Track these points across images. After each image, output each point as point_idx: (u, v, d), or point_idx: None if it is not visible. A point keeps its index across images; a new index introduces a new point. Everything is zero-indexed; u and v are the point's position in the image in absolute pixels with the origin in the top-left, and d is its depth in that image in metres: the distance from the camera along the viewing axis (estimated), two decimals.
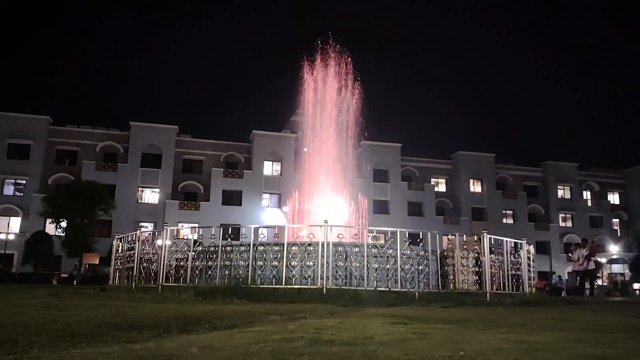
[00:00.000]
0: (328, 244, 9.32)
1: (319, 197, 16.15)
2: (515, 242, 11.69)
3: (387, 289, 9.20)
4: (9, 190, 43.24)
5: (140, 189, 44.96)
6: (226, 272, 10.14)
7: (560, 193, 55.07)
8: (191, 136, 48.87)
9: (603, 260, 42.61)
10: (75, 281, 30.15)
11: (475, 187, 52.72)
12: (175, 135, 46.85)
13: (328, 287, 8.90)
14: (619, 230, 56.09)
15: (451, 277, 10.89)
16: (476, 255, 10.79)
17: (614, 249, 49.08)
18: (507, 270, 11.03)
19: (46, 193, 37.10)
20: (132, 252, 11.43)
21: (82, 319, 3.98)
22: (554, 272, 40.71)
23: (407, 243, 9.88)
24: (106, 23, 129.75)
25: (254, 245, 9.87)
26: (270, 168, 47.76)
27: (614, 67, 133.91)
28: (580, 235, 52.12)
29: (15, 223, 41.92)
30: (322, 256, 9.26)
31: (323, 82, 17.94)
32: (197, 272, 10.45)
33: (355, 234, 10.53)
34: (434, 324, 4.54)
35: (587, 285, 16.81)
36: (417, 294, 9.08)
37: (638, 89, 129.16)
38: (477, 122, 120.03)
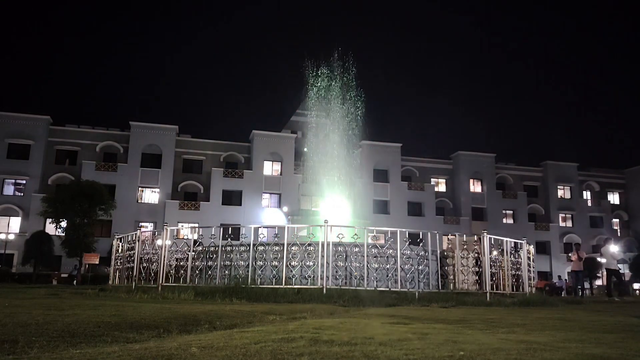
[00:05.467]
0: (328, 244, 9.32)
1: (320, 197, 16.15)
2: (515, 242, 11.69)
3: (387, 289, 9.20)
4: (9, 190, 43.22)
5: (140, 189, 44.95)
6: (226, 272, 10.14)
7: (560, 193, 55.05)
8: (191, 136, 48.85)
9: (603, 260, 42.58)
10: (75, 281, 30.16)
11: (475, 187, 52.70)
12: (175, 135, 46.84)
13: (328, 287, 8.90)
14: (619, 230, 56.04)
15: (451, 277, 10.89)
16: (476, 255, 10.79)
17: (614, 249, 49.02)
18: (507, 270, 11.03)
19: (46, 193, 37.07)
20: (132, 252, 11.43)
21: (82, 319, 3.98)
22: (560, 276, 40.92)
23: (407, 243, 9.88)
24: (107, 23, 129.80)
25: (254, 245, 9.87)
26: (270, 168, 47.76)
27: (614, 66, 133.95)
28: (580, 235, 52.24)
29: (15, 223, 41.91)
30: (322, 256, 9.26)
31: (324, 82, 17.95)
32: (197, 272, 10.45)
33: (355, 234, 10.53)
34: (434, 324, 4.54)
35: (586, 285, 16.88)
36: (417, 294, 9.09)
37: (638, 89, 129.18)
38: (477, 122, 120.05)
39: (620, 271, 16.15)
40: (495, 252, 10.89)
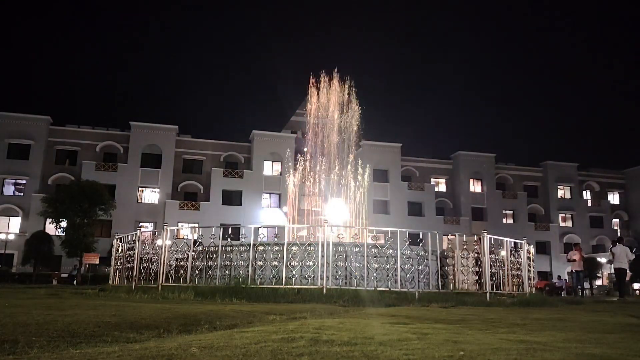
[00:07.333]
0: (328, 244, 9.32)
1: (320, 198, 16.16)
2: (515, 242, 11.68)
3: (387, 289, 9.20)
4: (9, 190, 43.21)
5: (140, 189, 44.94)
6: (226, 272, 10.14)
7: (560, 193, 55.04)
8: (191, 136, 48.85)
9: (603, 260, 42.65)
10: (75, 281, 30.17)
11: (475, 187, 52.68)
12: (175, 135, 46.83)
13: (328, 287, 8.90)
14: (619, 230, 55.98)
15: (451, 277, 10.89)
16: (476, 255, 10.79)
17: (626, 248, 49.01)
18: (507, 270, 11.03)
19: (46, 193, 37.07)
20: (132, 252, 11.43)
21: (82, 319, 3.98)
22: (560, 276, 40.92)
23: (407, 243, 9.88)
24: (107, 23, 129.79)
25: (254, 245, 9.87)
26: (270, 168, 47.75)
27: (614, 66, 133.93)
28: (580, 235, 52.21)
29: (15, 223, 41.89)
30: (322, 256, 9.26)
31: (324, 82, 17.98)
32: (197, 272, 10.45)
33: (355, 234, 10.53)
34: (434, 324, 4.54)
35: (586, 285, 16.94)
36: (417, 294, 9.08)
37: (638, 89, 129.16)
38: (477, 122, 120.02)
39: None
40: (495, 253, 10.88)
